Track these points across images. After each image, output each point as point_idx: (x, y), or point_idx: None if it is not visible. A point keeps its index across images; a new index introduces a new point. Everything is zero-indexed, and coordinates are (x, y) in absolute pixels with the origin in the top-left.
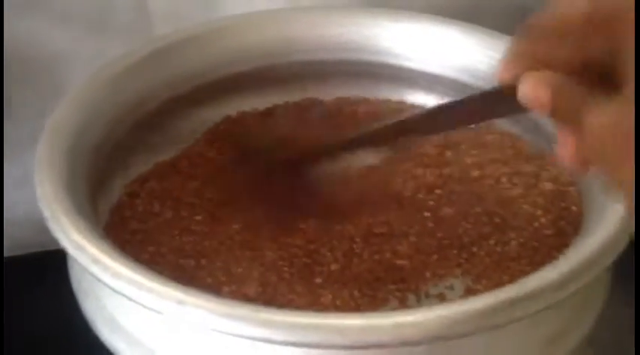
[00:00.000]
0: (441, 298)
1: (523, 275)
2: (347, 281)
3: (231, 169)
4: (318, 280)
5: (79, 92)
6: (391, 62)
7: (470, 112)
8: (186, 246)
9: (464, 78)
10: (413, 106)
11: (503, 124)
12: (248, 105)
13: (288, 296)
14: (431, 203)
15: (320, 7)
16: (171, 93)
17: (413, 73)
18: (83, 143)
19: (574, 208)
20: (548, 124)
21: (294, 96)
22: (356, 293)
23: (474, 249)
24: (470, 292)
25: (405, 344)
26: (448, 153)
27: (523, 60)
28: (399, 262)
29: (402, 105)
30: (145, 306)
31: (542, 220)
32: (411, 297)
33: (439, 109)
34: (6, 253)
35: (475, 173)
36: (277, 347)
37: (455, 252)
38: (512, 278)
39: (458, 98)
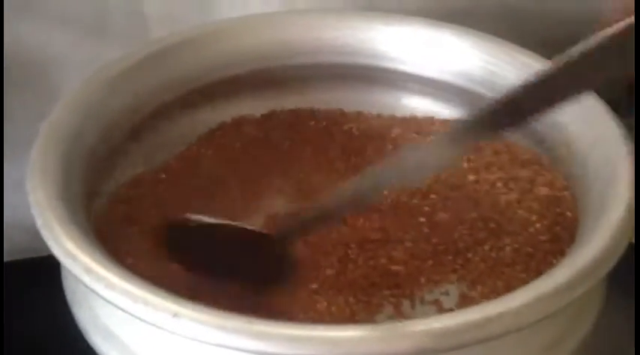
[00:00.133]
0: (436, 304)
1: (518, 281)
2: (342, 287)
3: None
4: (314, 286)
5: (73, 96)
6: (386, 66)
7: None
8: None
9: (459, 82)
10: (404, 119)
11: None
12: (244, 108)
13: (283, 303)
14: (426, 208)
15: (315, 11)
16: (167, 96)
17: (408, 76)
18: (77, 148)
19: (569, 214)
20: (543, 129)
21: (289, 99)
22: (351, 299)
23: (469, 255)
24: (465, 298)
25: None
26: None
27: None
28: (394, 268)
29: (393, 121)
30: (139, 318)
31: (538, 226)
32: (406, 303)
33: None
34: (6, 258)
35: (471, 178)
36: None
37: (450, 257)
38: (507, 284)
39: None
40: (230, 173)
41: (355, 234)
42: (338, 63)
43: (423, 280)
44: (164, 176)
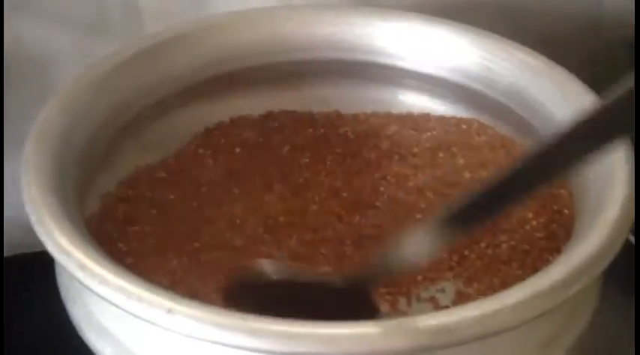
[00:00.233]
0: (432, 301)
1: (514, 278)
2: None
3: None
4: None
5: (65, 93)
6: (384, 62)
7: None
8: (172, 250)
9: (456, 78)
10: (400, 116)
11: (494, 125)
12: (240, 105)
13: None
14: (422, 205)
15: (312, 6)
16: (161, 93)
17: (405, 72)
18: (71, 145)
19: (566, 211)
20: (540, 126)
21: (286, 96)
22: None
23: (466, 252)
24: (461, 295)
25: (392, 353)
26: (440, 155)
27: None
28: None
29: (389, 118)
30: (133, 315)
31: (534, 223)
32: (402, 300)
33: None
34: (6, 253)
35: (467, 175)
36: None
37: (446, 255)
38: (503, 281)
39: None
40: (229, 176)
41: (351, 230)
42: (335, 59)
43: (419, 277)
44: (163, 175)
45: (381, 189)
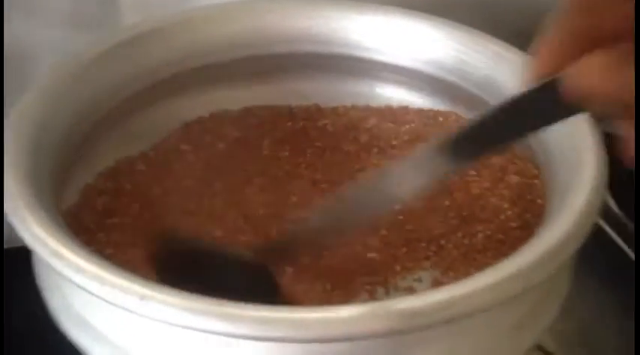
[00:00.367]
0: (410, 291)
1: (489, 267)
2: (318, 275)
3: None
4: (290, 273)
5: (42, 85)
6: (360, 55)
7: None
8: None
9: (432, 71)
10: (379, 109)
11: (471, 117)
12: (218, 97)
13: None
14: None
15: (289, 0)
16: (139, 85)
17: (382, 65)
18: (47, 136)
19: (539, 201)
20: None
21: (264, 89)
22: (327, 286)
23: (443, 242)
24: (437, 284)
25: (367, 336)
26: (418, 147)
27: (567, 40)
28: (370, 255)
29: (368, 111)
30: (107, 301)
31: (509, 213)
32: (380, 290)
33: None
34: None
35: None
36: (243, 341)
37: (424, 245)
38: (479, 270)
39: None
40: (210, 169)
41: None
42: (312, 52)
43: (397, 267)
44: (143, 167)
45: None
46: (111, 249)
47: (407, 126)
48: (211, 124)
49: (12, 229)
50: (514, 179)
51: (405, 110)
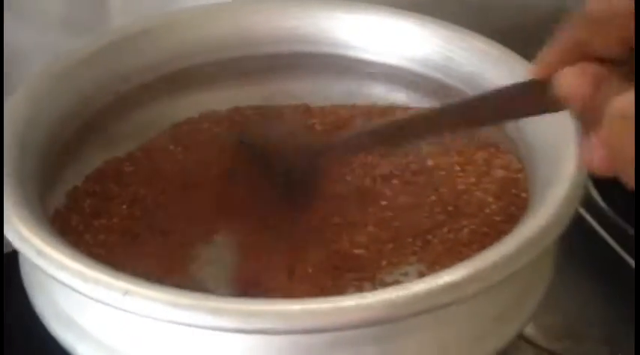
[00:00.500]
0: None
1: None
2: (306, 271)
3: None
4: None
5: (28, 85)
6: (348, 54)
7: (484, 111)
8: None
9: (418, 68)
10: (365, 108)
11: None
12: (205, 98)
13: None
14: (388, 193)
15: (276, 0)
16: (126, 87)
17: (369, 64)
18: (33, 137)
19: (523, 194)
20: None
21: (251, 90)
22: (315, 282)
23: (429, 237)
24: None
25: (352, 326)
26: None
27: (564, 49)
28: (357, 251)
29: (355, 110)
30: (91, 298)
31: (494, 207)
32: (367, 285)
33: (453, 107)
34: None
35: (430, 162)
36: (229, 335)
37: (410, 240)
38: None
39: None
40: (199, 172)
41: (318, 218)
42: (299, 52)
43: (384, 263)
44: (131, 169)
45: (348, 178)
46: (99, 249)
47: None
48: (199, 124)
49: None
50: (499, 173)
51: (391, 109)
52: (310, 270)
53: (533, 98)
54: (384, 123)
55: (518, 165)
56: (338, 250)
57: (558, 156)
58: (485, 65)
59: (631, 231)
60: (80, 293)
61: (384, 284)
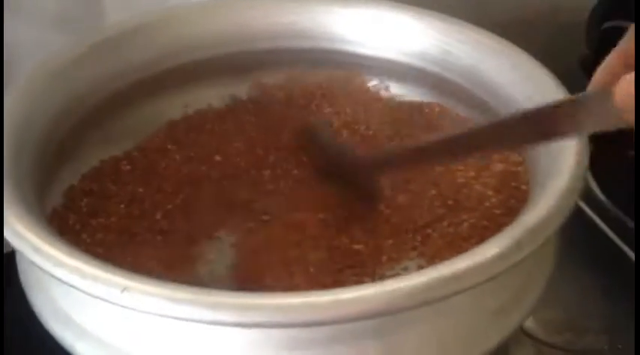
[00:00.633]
0: None
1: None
2: (307, 267)
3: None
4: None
5: (23, 83)
6: (346, 49)
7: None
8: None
9: (416, 62)
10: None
11: (454, 108)
12: (202, 95)
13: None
14: (388, 188)
15: None
16: (121, 83)
17: (367, 58)
18: (29, 135)
19: (523, 187)
20: (497, 106)
21: (249, 86)
22: (316, 277)
23: (429, 232)
24: None
25: (348, 320)
26: (404, 138)
27: (616, 61)
28: (356, 247)
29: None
30: (89, 294)
31: (493, 200)
32: (368, 281)
33: (499, 126)
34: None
35: None
36: (228, 329)
37: (410, 235)
38: None
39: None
40: (195, 167)
41: (316, 214)
42: (297, 47)
43: (384, 258)
44: (128, 167)
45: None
46: (97, 249)
47: (392, 117)
48: (195, 121)
49: None
50: (499, 167)
51: (390, 101)
52: (311, 269)
53: (594, 112)
54: (429, 141)
55: (518, 158)
56: (337, 246)
57: (558, 148)
58: (484, 57)
59: (631, 224)
60: (78, 289)
61: (385, 279)
